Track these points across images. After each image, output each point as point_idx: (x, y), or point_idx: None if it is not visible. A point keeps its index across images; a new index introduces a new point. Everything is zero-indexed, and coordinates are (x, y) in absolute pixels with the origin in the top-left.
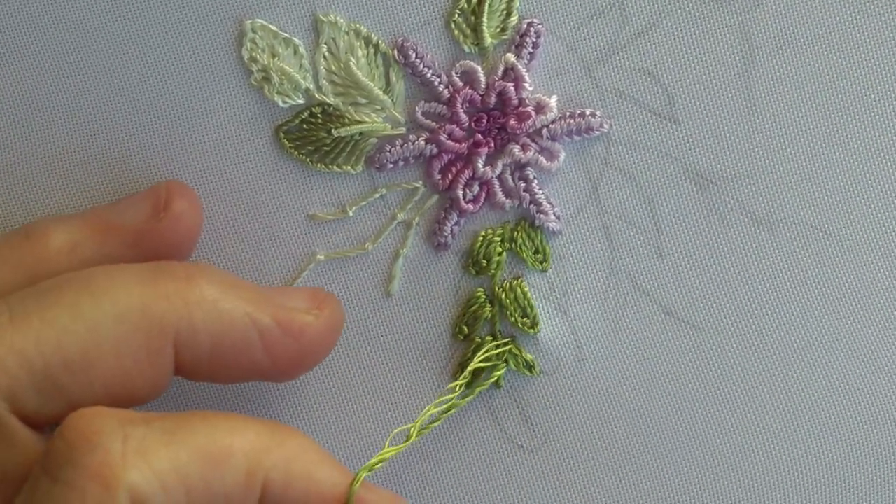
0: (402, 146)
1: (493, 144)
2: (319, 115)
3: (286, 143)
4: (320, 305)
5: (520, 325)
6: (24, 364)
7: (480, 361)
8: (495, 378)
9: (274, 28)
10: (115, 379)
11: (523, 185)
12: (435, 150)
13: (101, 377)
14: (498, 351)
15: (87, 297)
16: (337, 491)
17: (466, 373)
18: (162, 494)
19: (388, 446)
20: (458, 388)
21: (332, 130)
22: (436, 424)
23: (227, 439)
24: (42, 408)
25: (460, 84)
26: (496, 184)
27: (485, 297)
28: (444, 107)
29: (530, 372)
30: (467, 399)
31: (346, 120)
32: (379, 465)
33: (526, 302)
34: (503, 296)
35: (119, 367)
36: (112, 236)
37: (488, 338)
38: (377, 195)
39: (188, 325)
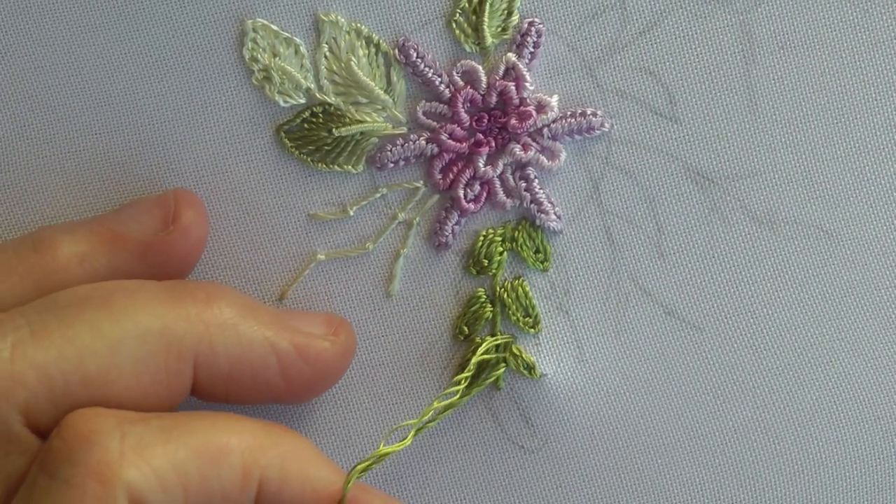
0: (402, 146)
1: (493, 144)
2: (320, 115)
3: (287, 142)
4: (336, 331)
5: (521, 324)
6: (44, 380)
7: (482, 355)
8: (494, 378)
9: (275, 28)
10: (131, 397)
11: (524, 184)
12: (436, 150)
13: (118, 395)
14: (500, 343)
15: (107, 316)
16: (331, 489)
17: (471, 365)
18: (160, 492)
19: (384, 445)
20: (463, 381)
21: (333, 130)
22: (432, 424)
23: (224, 438)
24: (56, 420)
25: (461, 83)
26: (497, 183)
27: (486, 296)
28: (445, 106)
29: (530, 374)
30: (465, 399)
31: (347, 119)
32: (375, 465)
33: (527, 301)
34: (505, 295)
35: (137, 386)
36: (120, 248)
37: (488, 338)
38: (378, 195)
39: (208, 348)
